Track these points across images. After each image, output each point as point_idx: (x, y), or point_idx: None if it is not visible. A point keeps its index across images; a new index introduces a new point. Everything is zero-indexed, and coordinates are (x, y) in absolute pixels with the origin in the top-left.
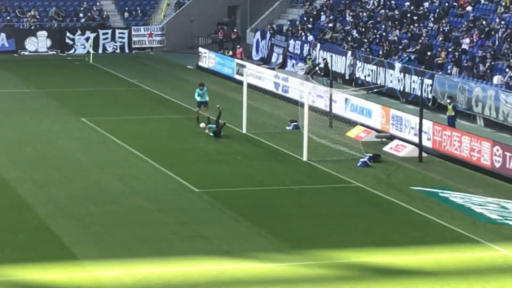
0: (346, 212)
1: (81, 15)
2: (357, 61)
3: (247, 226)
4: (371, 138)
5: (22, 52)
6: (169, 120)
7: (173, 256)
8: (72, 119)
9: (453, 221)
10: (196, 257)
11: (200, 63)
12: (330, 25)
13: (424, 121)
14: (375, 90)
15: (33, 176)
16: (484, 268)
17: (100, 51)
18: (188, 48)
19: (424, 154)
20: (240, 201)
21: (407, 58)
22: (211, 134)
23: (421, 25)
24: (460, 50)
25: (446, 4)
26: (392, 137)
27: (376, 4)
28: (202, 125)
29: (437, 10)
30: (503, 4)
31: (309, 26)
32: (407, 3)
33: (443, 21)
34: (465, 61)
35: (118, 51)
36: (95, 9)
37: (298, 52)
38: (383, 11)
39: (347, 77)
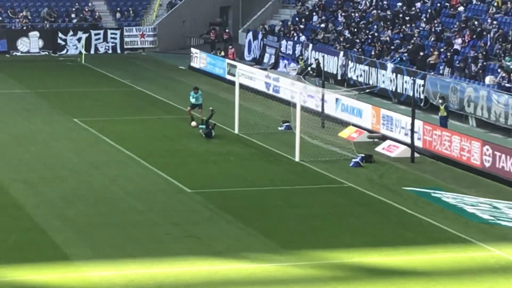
0: (338, 212)
1: (73, 15)
2: (349, 62)
3: (239, 226)
4: (363, 139)
5: (14, 53)
6: (161, 120)
7: (165, 257)
8: (64, 120)
9: (446, 221)
10: (188, 257)
11: (192, 64)
12: (322, 25)
13: (415, 120)
14: (367, 90)
15: (25, 177)
16: (476, 268)
17: (92, 51)
18: (180, 48)
19: (416, 155)
20: (232, 202)
21: (399, 58)
22: (204, 135)
23: (413, 25)
24: (452, 50)
25: (438, 4)
26: (384, 138)
27: (368, 4)
28: (193, 123)
29: (429, 11)
30: (495, 4)
31: (301, 26)
32: (399, 4)
33: (435, 21)
34: (457, 62)
35: (110, 51)
36: (87, 9)
37: (290, 52)
38: (375, 11)
39: (339, 78)
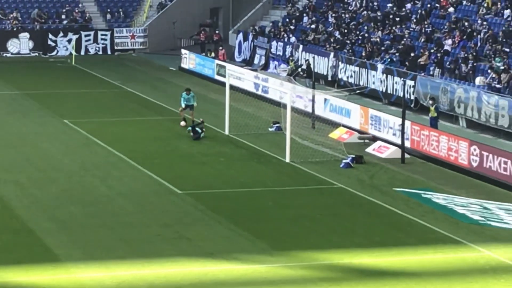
0: (328, 213)
1: (63, 16)
2: (340, 63)
3: (230, 227)
4: (354, 140)
5: (4, 54)
6: (152, 122)
7: (155, 258)
8: (54, 121)
9: (436, 222)
10: (179, 258)
11: (182, 65)
12: (313, 26)
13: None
14: (358, 91)
15: (16, 178)
16: (467, 269)
17: (82, 52)
18: (170, 49)
19: (406, 155)
20: (223, 203)
21: (389, 59)
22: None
23: (403, 26)
24: (442, 51)
25: (428, 5)
26: (374, 139)
27: (358, 5)
28: (182, 123)
29: (419, 11)
30: (485, 5)
31: (292, 27)
32: (389, 5)
33: (425, 22)
34: (447, 63)
35: (100, 52)
36: (77, 10)
37: (281, 53)
38: (365, 12)
39: (329, 79)
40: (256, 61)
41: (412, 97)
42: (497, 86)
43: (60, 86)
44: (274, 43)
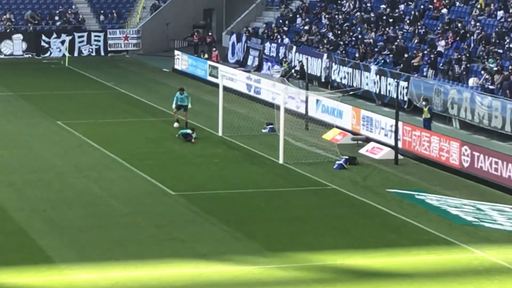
0: (322, 214)
1: (56, 18)
2: (333, 64)
3: (223, 229)
4: (347, 141)
5: None
6: (145, 123)
7: (149, 259)
8: (47, 123)
9: (429, 223)
10: (172, 260)
11: (175, 66)
12: (306, 27)
13: (393, 121)
14: (351, 92)
15: (9, 180)
16: (460, 270)
17: (75, 54)
18: (163, 51)
19: (400, 157)
20: (216, 204)
21: (382, 60)
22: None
23: (397, 27)
24: (435, 52)
25: (422, 6)
26: (368, 140)
27: (351, 6)
28: (175, 124)
29: (413, 13)
30: (478, 6)
31: (285, 28)
32: (383, 6)
33: (419, 23)
34: (440, 64)
35: (93, 54)
36: (70, 12)
37: (274, 54)
38: (358, 13)
39: (323, 80)
40: (249, 62)
41: (406, 98)
42: (490, 87)
43: (53, 87)
44: (267, 45)
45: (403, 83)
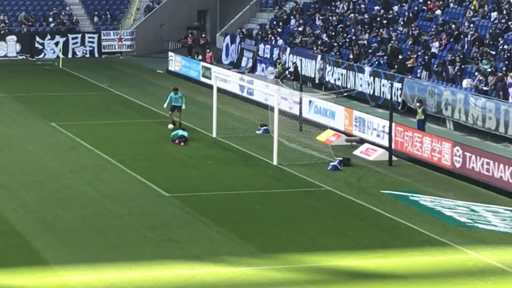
0: (316, 216)
1: (50, 19)
2: (327, 65)
3: (217, 230)
4: (341, 142)
5: None
6: (139, 124)
7: (143, 261)
8: (41, 124)
9: (423, 224)
10: (166, 261)
11: (170, 68)
12: (300, 29)
13: (386, 122)
14: (345, 94)
15: (3, 181)
16: (454, 271)
17: (69, 55)
18: (157, 52)
19: (394, 158)
20: (211, 206)
21: (376, 62)
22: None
23: (391, 29)
24: (429, 53)
25: (416, 8)
26: (362, 141)
27: (345, 8)
28: (170, 126)
29: (407, 14)
30: (472, 7)
31: (279, 30)
32: (377, 7)
33: (413, 25)
34: (434, 65)
35: (87, 55)
36: (64, 13)
37: (268, 56)
38: (352, 15)
39: (317, 81)
40: (243, 63)
41: (400, 100)
42: (484, 88)
43: (47, 89)
44: (261, 46)
45: (397, 85)
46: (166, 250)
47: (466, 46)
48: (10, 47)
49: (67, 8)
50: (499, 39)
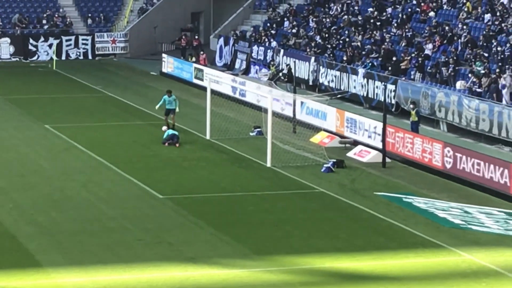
0: (310, 217)
1: (44, 21)
2: (321, 67)
3: (211, 232)
4: (335, 144)
5: None
6: (133, 126)
7: (137, 263)
8: (35, 126)
9: (417, 226)
10: (160, 263)
11: (163, 69)
12: (294, 31)
13: (377, 123)
14: (339, 95)
15: None
16: (448, 273)
17: (63, 57)
18: (151, 54)
19: (387, 160)
20: (204, 207)
21: (370, 64)
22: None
23: (384, 30)
24: (423, 55)
25: (409, 9)
26: (355, 143)
27: (339, 10)
28: (164, 128)
29: (400, 16)
30: (466, 9)
31: (273, 32)
32: (370, 9)
33: (406, 26)
34: (428, 67)
35: (81, 57)
36: (58, 15)
37: (262, 58)
38: (346, 16)
39: (310, 83)
40: (237, 65)
41: (393, 102)
42: (478, 90)
43: (41, 91)
44: (255, 48)
45: (390, 86)
46: (160, 252)
47: (459, 48)
48: (3, 49)
49: (61, 10)
50: (493, 40)
